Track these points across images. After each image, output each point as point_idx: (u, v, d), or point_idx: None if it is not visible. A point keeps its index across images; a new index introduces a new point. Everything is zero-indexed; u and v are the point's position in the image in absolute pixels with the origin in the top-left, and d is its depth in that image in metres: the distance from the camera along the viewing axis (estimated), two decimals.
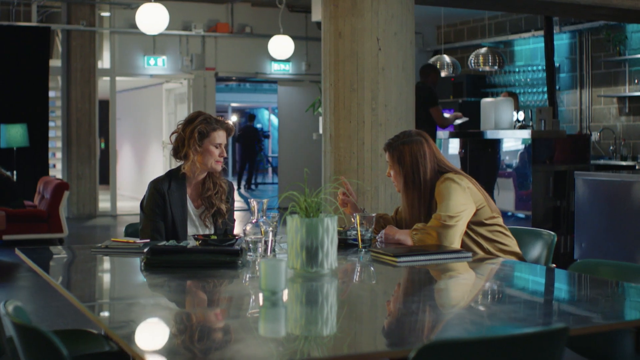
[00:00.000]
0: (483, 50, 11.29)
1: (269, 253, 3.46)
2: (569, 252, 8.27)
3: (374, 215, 3.84)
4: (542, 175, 8.33)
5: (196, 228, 4.21)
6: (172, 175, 4.23)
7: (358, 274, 3.43)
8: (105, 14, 13.92)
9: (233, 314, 2.65)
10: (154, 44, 14.00)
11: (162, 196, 4.14)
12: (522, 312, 2.63)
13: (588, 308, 2.73)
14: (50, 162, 14.09)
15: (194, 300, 2.86)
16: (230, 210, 4.32)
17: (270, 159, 26.25)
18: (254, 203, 3.53)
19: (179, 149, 4.19)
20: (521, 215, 8.38)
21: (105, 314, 2.61)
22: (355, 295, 2.99)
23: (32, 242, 9.90)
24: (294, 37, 12.24)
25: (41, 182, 10.95)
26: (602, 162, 10.69)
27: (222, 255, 3.31)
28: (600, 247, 7.73)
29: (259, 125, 25.79)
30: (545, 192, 8.37)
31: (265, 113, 28.78)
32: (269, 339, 2.36)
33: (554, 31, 11.45)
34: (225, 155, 4.22)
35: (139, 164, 17.84)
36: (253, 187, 22.13)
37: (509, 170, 8.59)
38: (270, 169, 26.69)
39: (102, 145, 18.88)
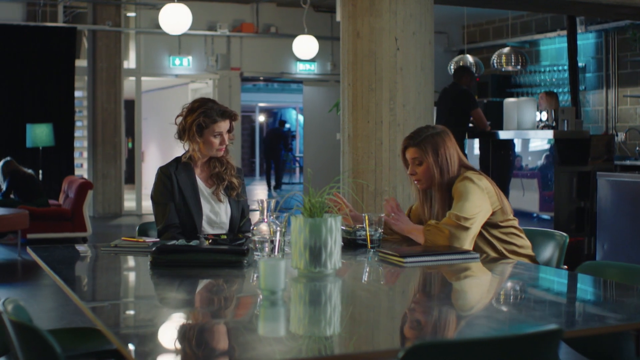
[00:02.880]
0: (506, 50, 11.22)
1: (276, 253, 3.45)
2: (593, 254, 8.18)
3: (382, 215, 3.81)
4: (565, 176, 8.25)
5: (210, 205, 4.20)
6: (179, 159, 4.24)
7: (362, 274, 3.42)
8: (131, 14, 14.01)
9: (233, 313, 2.65)
10: (179, 44, 14.07)
11: (168, 177, 4.15)
12: (520, 313, 2.60)
13: (587, 310, 2.70)
14: (77, 161, 14.22)
15: (195, 300, 2.87)
16: (243, 185, 4.31)
17: (297, 158, 26.29)
18: (264, 202, 3.52)
19: (181, 135, 4.20)
20: (546, 216, 8.30)
21: (106, 312, 2.62)
22: (358, 295, 2.98)
23: (56, 241, 9.99)
24: (319, 37, 12.22)
25: (66, 181, 11.04)
26: (628, 162, 10.56)
27: (228, 254, 3.31)
28: (623, 249, 7.65)
29: (287, 126, 25.80)
30: (569, 193, 8.28)
31: (293, 113, 28.82)
32: (268, 338, 2.35)
33: (580, 31, 11.35)
34: (226, 142, 4.19)
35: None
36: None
37: (531, 171, 8.52)
38: (297, 169, 26.72)
39: (130, 144, 19.01)
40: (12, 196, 10.48)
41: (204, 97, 4.35)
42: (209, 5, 14.04)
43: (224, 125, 4.16)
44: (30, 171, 10.74)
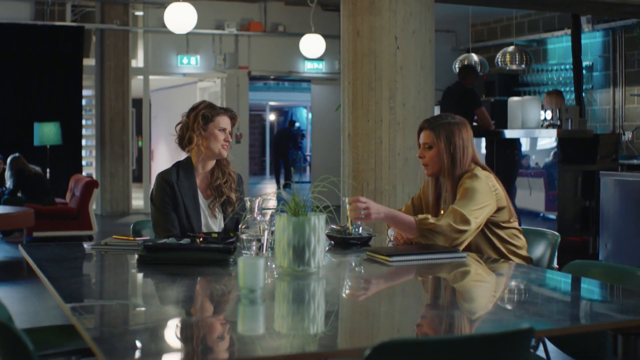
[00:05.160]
0: (510, 48, 11.19)
1: (264, 251, 3.46)
2: (598, 254, 8.14)
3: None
4: (569, 175, 8.21)
5: (206, 218, 4.15)
6: (180, 166, 4.16)
7: (347, 272, 3.42)
8: (139, 13, 14.05)
9: (212, 311, 2.66)
10: (187, 43, 14.09)
11: (171, 187, 4.07)
12: (500, 312, 2.60)
13: (564, 308, 2.69)
14: (87, 160, 14.28)
15: (176, 298, 2.87)
16: (241, 200, 4.25)
17: (308, 157, 26.31)
18: (256, 201, 3.52)
19: (184, 135, 4.14)
20: (552, 216, 8.26)
21: (84, 311, 2.63)
22: (338, 294, 2.98)
23: (62, 239, 10.02)
24: (327, 36, 12.22)
25: (73, 179, 11.09)
26: (635, 162, 10.50)
27: (214, 253, 3.33)
28: (626, 249, 7.62)
29: (297, 124, 25.86)
30: (574, 192, 8.24)
31: (304, 112, 28.82)
32: (245, 336, 2.36)
33: (587, 29, 11.31)
34: (230, 140, 4.15)
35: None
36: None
37: (535, 170, 8.49)
38: (308, 168, 26.74)
39: (140, 143, 19.07)
40: (19, 194, 10.55)
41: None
42: (217, 4, 14.06)
43: (226, 121, 4.14)
44: (37, 169, 10.79)
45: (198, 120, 4.09)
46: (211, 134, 4.10)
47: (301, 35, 12.28)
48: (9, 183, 10.57)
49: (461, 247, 3.63)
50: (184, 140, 4.16)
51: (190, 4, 9.65)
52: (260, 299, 2.67)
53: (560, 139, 8.17)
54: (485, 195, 3.70)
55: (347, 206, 3.72)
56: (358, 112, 6.48)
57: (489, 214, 3.72)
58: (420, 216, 3.69)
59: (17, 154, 10.66)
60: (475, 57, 11.51)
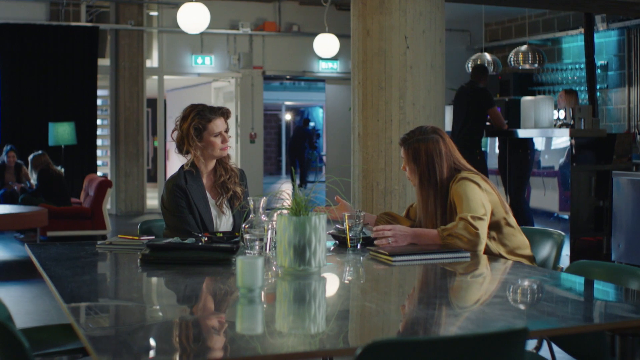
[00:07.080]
0: (523, 48, 11.14)
1: (267, 250, 3.47)
2: (611, 254, 8.09)
3: (362, 213, 3.79)
4: (582, 175, 8.17)
5: (215, 217, 4.16)
6: (186, 171, 4.19)
7: (348, 272, 3.41)
8: (154, 13, 14.10)
9: (209, 310, 2.66)
10: (202, 43, 14.12)
11: (183, 192, 4.09)
12: (495, 312, 2.58)
13: (562, 309, 2.68)
14: (102, 160, 14.35)
15: (176, 298, 2.88)
16: (246, 193, 4.26)
17: (324, 157, 26.29)
18: (260, 200, 3.52)
19: (181, 145, 4.17)
20: (565, 216, 8.21)
21: (83, 312, 2.64)
22: (337, 294, 2.98)
23: (76, 239, 10.07)
24: (341, 36, 12.20)
25: (87, 179, 11.15)
26: None
27: (217, 252, 3.33)
28: (639, 249, 7.57)
29: (311, 124, 25.84)
30: (587, 192, 8.20)
31: (320, 111, 28.79)
32: (242, 335, 2.36)
33: (602, 28, 11.25)
34: (227, 140, 4.17)
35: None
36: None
37: (548, 170, 8.45)
38: (324, 167, 26.73)
39: (156, 143, 19.12)
40: None
41: (193, 103, 4.32)
42: (231, 4, 14.08)
43: (220, 123, 4.14)
44: (60, 169, 10.89)
45: (191, 134, 4.10)
46: (208, 143, 4.12)
47: (315, 34, 12.26)
48: (33, 179, 10.70)
49: (482, 247, 3.62)
50: (182, 149, 4.19)
51: (205, 4, 9.65)
52: (259, 298, 2.68)
53: (573, 139, 8.13)
54: (478, 193, 3.73)
55: (344, 224, 3.72)
56: (368, 112, 6.49)
57: (491, 206, 3.74)
58: (442, 227, 3.72)
59: (40, 152, 10.76)
60: (488, 56, 11.47)
